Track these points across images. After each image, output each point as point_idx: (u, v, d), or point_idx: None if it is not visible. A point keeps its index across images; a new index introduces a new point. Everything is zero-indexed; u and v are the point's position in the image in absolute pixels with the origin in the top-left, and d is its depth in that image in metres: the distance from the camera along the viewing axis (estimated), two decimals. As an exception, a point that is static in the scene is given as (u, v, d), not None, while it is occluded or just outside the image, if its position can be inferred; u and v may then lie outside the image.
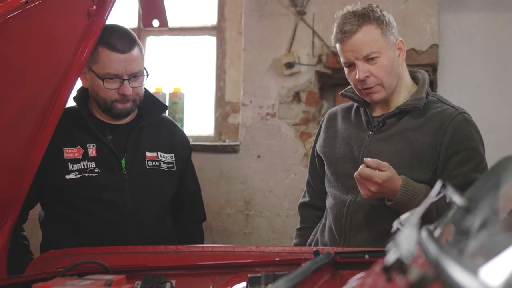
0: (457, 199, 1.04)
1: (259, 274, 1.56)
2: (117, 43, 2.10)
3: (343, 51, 1.99)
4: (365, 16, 1.96)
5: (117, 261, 1.78)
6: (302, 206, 2.36)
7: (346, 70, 2.04)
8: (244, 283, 1.59)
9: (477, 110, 3.58)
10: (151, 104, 2.31)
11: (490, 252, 0.88)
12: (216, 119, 4.36)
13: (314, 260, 1.54)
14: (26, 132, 1.96)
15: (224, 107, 4.33)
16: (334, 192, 2.11)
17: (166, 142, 2.32)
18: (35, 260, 1.89)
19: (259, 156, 3.98)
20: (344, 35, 1.96)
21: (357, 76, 1.97)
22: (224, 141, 4.22)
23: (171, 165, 2.30)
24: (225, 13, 4.36)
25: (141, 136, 2.25)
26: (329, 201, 2.14)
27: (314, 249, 1.69)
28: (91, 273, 1.63)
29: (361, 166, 1.85)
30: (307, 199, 2.33)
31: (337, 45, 2.03)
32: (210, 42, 4.42)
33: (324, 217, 2.18)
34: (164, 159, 2.28)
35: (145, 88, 2.28)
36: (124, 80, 2.10)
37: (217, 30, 4.38)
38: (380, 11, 2.00)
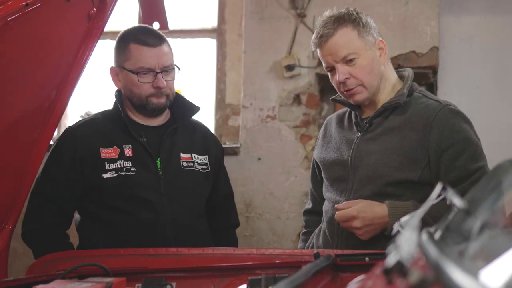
0: (458, 202, 1.04)
1: (260, 277, 1.56)
2: (147, 38, 2.15)
3: (323, 56, 2.03)
4: (340, 19, 2.00)
5: (117, 264, 1.78)
6: (306, 212, 2.38)
7: (329, 75, 2.07)
8: (245, 286, 1.59)
9: (477, 112, 3.59)
10: (183, 107, 2.35)
11: (490, 255, 0.88)
12: (217, 121, 4.36)
13: (315, 262, 1.54)
14: (27, 134, 1.97)
15: (224, 110, 4.34)
16: (328, 196, 2.13)
17: (200, 144, 2.34)
18: (36, 262, 1.89)
19: (259, 159, 3.98)
20: (321, 39, 2.01)
21: (337, 79, 2.00)
22: (225, 144, 4.22)
23: (205, 167, 2.32)
24: (226, 15, 4.37)
25: (175, 138, 2.28)
26: (324, 205, 2.16)
27: (315, 251, 1.69)
28: (92, 275, 1.63)
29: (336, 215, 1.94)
30: (310, 206, 2.36)
31: (318, 51, 2.06)
32: (210, 45, 4.43)
33: (322, 221, 2.19)
34: (198, 161, 2.30)
35: (176, 92, 2.31)
36: (157, 73, 2.14)
37: (218, 33, 4.38)
38: (357, 13, 2.03)
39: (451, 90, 3.86)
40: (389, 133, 1.99)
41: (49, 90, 1.98)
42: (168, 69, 2.17)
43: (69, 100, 2.08)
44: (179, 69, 2.23)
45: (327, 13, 2.06)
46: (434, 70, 3.84)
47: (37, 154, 2.02)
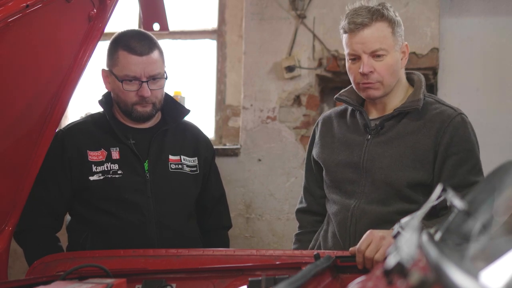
0: (458, 203, 1.04)
1: (260, 278, 1.56)
2: (135, 46, 2.14)
3: (352, 43, 1.98)
4: (379, 13, 1.97)
5: (117, 265, 1.78)
6: (300, 212, 2.34)
7: (348, 62, 2.03)
8: (245, 287, 1.59)
9: (477, 114, 3.59)
10: (174, 109, 2.36)
11: (490, 256, 0.88)
12: (217, 122, 4.36)
13: (315, 263, 1.54)
14: (27, 135, 1.97)
15: (224, 111, 4.34)
16: (336, 198, 2.09)
17: (190, 146, 2.34)
18: (36, 263, 1.89)
19: (259, 160, 3.98)
20: (356, 26, 1.96)
21: (360, 70, 1.97)
22: (225, 145, 4.22)
23: (194, 169, 2.32)
24: (226, 16, 4.37)
25: (164, 140, 2.29)
26: (331, 207, 2.12)
27: (315, 252, 1.69)
28: (92, 276, 1.63)
29: (357, 256, 1.71)
30: (304, 205, 2.31)
31: (345, 36, 2.01)
32: (210, 46, 4.42)
33: (325, 222, 2.16)
34: (187, 163, 2.31)
35: (167, 94, 2.32)
36: (142, 82, 2.14)
37: (218, 34, 4.38)
38: (393, 11, 2.02)
39: (451, 92, 3.85)
40: (403, 137, 1.99)
41: (50, 91, 1.98)
42: (155, 77, 2.17)
43: (69, 101, 2.08)
44: (166, 78, 2.22)
45: (363, 2, 2.02)
46: (434, 71, 3.84)
47: (38, 156, 2.02)
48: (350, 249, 1.73)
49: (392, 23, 1.98)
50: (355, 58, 2.00)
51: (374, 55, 1.96)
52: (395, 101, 2.06)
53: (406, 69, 2.13)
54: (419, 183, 1.95)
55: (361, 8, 1.99)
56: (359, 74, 1.98)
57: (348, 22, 1.98)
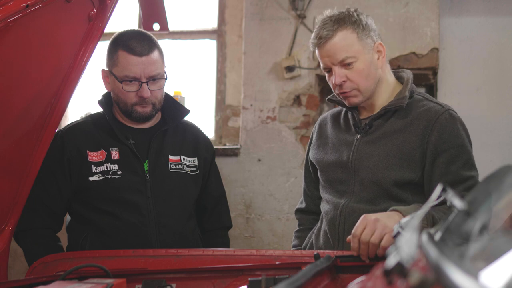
0: (458, 203, 1.04)
1: (260, 278, 1.56)
2: (135, 46, 2.13)
3: (321, 57, 2.03)
4: (340, 21, 1.98)
5: (117, 265, 1.78)
6: (299, 211, 2.38)
7: (326, 75, 2.07)
8: (245, 287, 1.59)
9: (477, 113, 3.60)
10: (174, 109, 2.36)
11: (490, 256, 0.88)
12: (217, 122, 4.36)
13: (315, 263, 1.54)
14: (27, 135, 1.97)
15: (224, 111, 4.34)
16: (327, 197, 2.12)
17: (190, 146, 2.35)
18: (36, 263, 1.89)
19: (259, 160, 3.98)
20: (320, 40, 1.99)
21: (333, 81, 2.00)
22: (225, 145, 4.22)
23: (194, 169, 2.32)
24: (226, 16, 4.37)
25: (164, 140, 2.29)
26: (323, 206, 2.15)
27: (315, 252, 1.69)
28: (92, 276, 1.63)
29: (352, 241, 1.69)
30: (303, 205, 2.35)
31: (316, 51, 2.05)
32: (210, 46, 4.43)
33: (319, 221, 2.18)
34: (187, 163, 2.31)
35: (167, 93, 2.32)
36: (142, 82, 2.13)
37: (218, 34, 4.39)
38: (358, 15, 2.01)
39: (451, 91, 3.86)
40: (390, 136, 1.99)
41: (50, 91, 1.98)
42: (155, 78, 2.16)
43: (69, 101, 2.08)
44: (166, 78, 2.22)
45: (328, 13, 2.04)
46: (434, 71, 3.84)
47: (38, 156, 2.02)
48: (347, 238, 1.72)
49: (356, 27, 1.98)
50: (329, 70, 2.03)
51: (343, 64, 1.98)
52: (383, 100, 2.07)
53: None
54: (406, 181, 1.95)
55: (325, 19, 2.01)
56: (335, 84, 2.01)
57: (313, 37, 2.02)
